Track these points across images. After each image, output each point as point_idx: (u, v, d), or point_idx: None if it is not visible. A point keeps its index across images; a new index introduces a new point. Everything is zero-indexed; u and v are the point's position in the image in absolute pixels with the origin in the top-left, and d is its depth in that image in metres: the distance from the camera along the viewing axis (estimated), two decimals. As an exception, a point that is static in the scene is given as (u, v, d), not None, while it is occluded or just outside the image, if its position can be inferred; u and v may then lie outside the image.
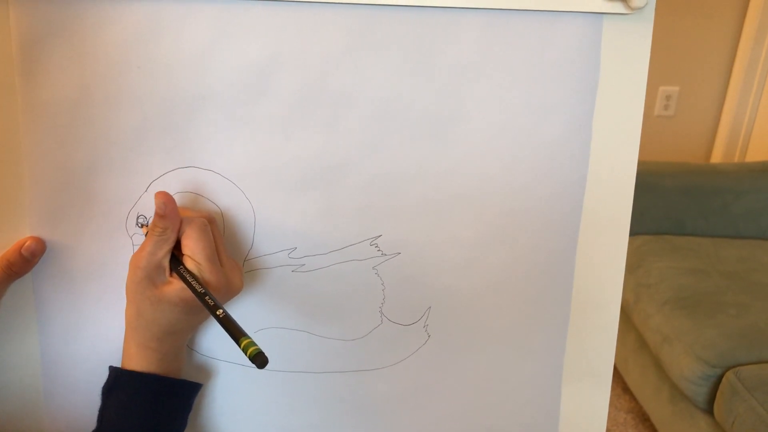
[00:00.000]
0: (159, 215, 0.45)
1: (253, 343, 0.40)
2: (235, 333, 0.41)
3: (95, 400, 0.47)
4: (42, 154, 0.48)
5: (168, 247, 0.45)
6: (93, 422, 0.47)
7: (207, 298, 0.43)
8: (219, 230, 0.49)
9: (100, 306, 0.51)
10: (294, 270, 0.52)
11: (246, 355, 0.40)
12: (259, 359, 0.40)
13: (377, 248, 0.52)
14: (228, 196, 0.50)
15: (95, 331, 0.52)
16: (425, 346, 0.55)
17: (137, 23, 0.46)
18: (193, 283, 0.44)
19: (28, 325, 0.51)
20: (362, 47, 0.47)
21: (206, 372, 0.54)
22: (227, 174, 0.49)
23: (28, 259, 0.48)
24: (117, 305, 0.50)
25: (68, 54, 0.46)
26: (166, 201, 0.44)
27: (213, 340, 0.53)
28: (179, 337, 0.48)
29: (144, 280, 0.45)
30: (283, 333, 0.53)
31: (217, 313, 0.42)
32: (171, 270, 0.46)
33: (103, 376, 0.48)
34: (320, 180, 0.50)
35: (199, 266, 0.45)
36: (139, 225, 0.50)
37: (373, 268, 0.53)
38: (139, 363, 0.46)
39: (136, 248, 0.50)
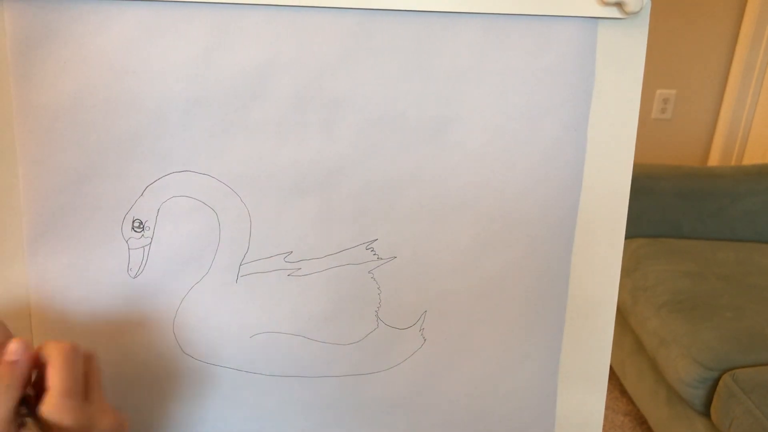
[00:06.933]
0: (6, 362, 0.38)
1: None
2: None
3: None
4: (37, 158, 0.47)
5: (12, 398, 0.38)
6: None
7: None
8: (96, 365, 0.44)
9: (94, 310, 0.51)
10: (290, 274, 0.52)
11: None
12: None
13: (373, 252, 0.52)
14: (223, 201, 0.50)
15: (90, 335, 0.52)
16: (421, 350, 0.55)
17: (133, 27, 0.46)
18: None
19: (23, 328, 0.51)
20: (358, 52, 0.48)
21: (198, 377, 0.54)
22: (223, 178, 0.49)
23: None
24: (110, 310, 0.50)
25: (63, 58, 0.46)
26: (18, 347, 0.39)
27: (206, 344, 0.53)
28: None
29: None
30: (278, 337, 0.53)
31: None
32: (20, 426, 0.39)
33: None
34: (316, 184, 0.50)
35: (54, 401, 0.39)
36: (135, 229, 0.50)
37: (369, 272, 0.53)
38: None
39: (132, 253, 0.50)
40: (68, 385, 0.39)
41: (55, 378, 0.39)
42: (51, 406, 0.38)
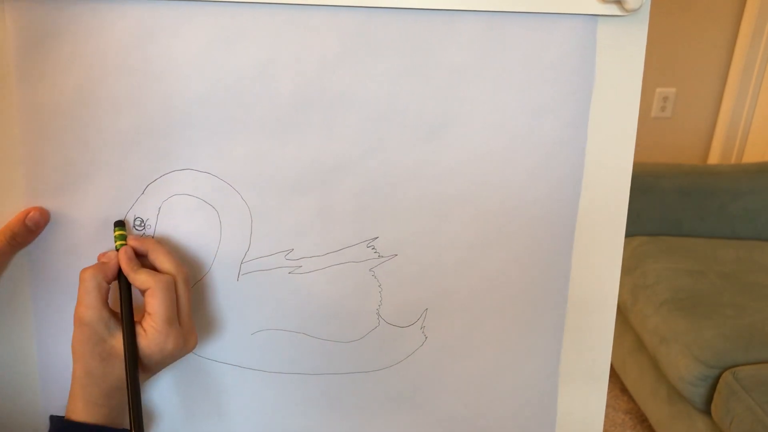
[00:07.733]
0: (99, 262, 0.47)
1: None
2: (134, 411, 0.43)
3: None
4: (39, 156, 0.48)
5: (103, 294, 0.46)
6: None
7: (132, 370, 0.44)
8: (187, 289, 0.48)
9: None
10: (291, 272, 0.52)
11: None
12: None
13: (374, 250, 0.52)
14: (225, 199, 0.50)
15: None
16: (422, 348, 0.55)
17: (134, 26, 0.46)
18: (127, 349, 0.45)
19: (24, 325, 0.51)
20: (358, 50, 0.48)
21: (200, 373, 0.54)
22: (224, 176, 0.49)
23: (32, 230, 0.48)
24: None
25: (65, 56, 0.46)
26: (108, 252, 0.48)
27: (207, 341, 0.54)
28: None
29: (92, 335, 0.44)
30: (280, 335, 0.54)
31: (132, 386, 0.44)
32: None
33: None
34: (317, 182, 0.50)
35: (155, 328, 0.45)
36: (136, 227, 0.50)
37: (370, 270, 0.53)
38: (84, 418, 0.45)
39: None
40: (169, 314, 0.46)
41: (158, 307, 0.45)
42: (155, 332, 0.45)
